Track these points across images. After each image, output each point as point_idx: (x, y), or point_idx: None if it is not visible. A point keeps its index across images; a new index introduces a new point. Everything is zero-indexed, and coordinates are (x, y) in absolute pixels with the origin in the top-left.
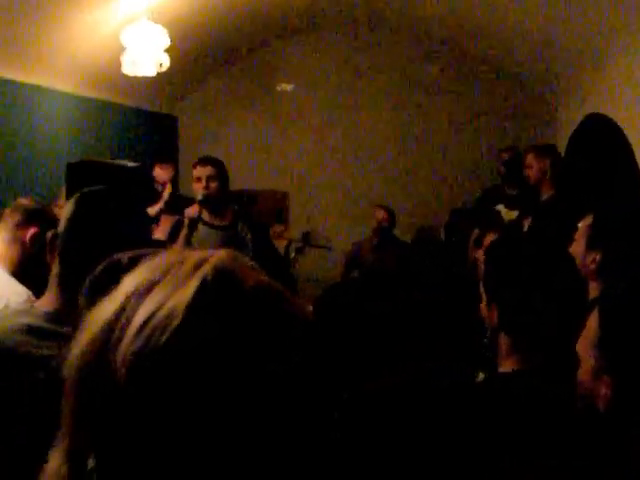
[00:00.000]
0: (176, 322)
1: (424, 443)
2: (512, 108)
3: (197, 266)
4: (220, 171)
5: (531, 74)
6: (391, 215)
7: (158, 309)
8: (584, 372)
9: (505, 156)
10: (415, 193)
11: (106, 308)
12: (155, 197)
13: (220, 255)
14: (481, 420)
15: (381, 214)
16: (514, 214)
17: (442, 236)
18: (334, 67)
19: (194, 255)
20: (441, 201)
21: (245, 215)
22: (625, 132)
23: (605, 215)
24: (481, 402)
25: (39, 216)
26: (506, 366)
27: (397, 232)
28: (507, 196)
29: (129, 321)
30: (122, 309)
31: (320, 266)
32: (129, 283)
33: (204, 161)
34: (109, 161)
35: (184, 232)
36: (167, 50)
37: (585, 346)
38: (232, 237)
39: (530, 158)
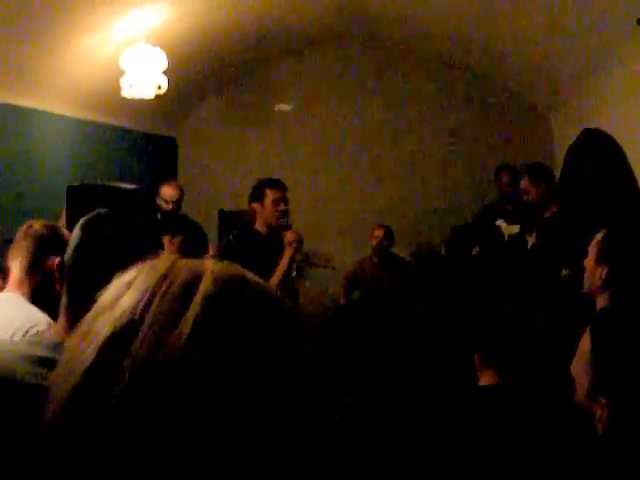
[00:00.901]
0: (183, 340)
1: (424, 448)
2: (509, 123)
3: (195, 280)
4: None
5: (527, 89)
6: (390, 234)
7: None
8: (579, 393)
9: (505, 179)
10: (414, 211)
11: (98, 318)
12: (157, 219)
13: (218, 266)
14: (480, 425)
15: (380, 233)
16: (515, 229)
17: (443, 253)
18: (331, 86)
19: (185, 270)
20: (440, 218)
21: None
22: (622, 146)
23: (616, 230)
24: (480, 407)
25: (60, 243)
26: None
27: (397, 250)
28: (507, 211)
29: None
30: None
31: (321, 286)
32: (111, 293)
33: (283, 184)
34: (109, 184)
35: (289, 255)
36: (165, 72)
37: (579, 367)
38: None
39: (526, 184)
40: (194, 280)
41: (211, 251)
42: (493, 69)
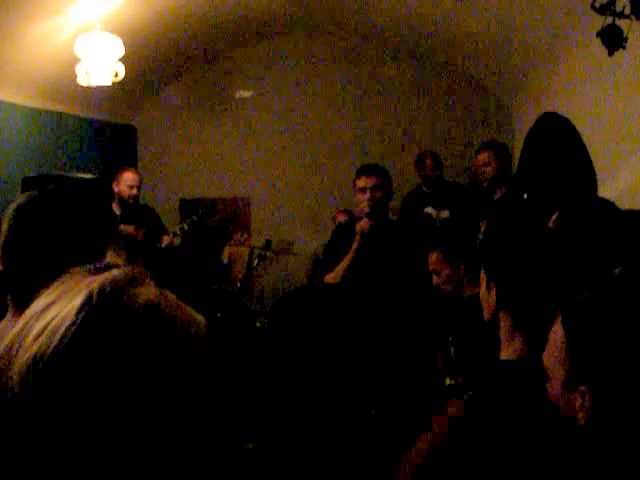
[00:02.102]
0: (60, 333)
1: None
2: (468, 108)
3: (89, 284)
4: (385, 180)
5: (485, 74)
6: (352, 219)
7: (48, 324)
8: (554, 385)
9: (430, 163)
10: None
11: (12, 330)
12: (111, 208)
13: (114, 273)
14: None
15: (343, 217)
16: (445, 213)
17: None
18: (292, 73)
19: (94, 275)
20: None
21: (200, 225)
22: (578, 129)
23: (569, 211)
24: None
25: None
26: (509, 348)
27: None
28: (430, 196)
29: (25, 338)
30: (22, 329)
31: (283, 272)
32: (34, 305)
33: (369, 171)
34: (66, 174)
35: (355, 246)
36: (122, 60)
37: (552, 358)
38: None
39: (486, 157)
40: (92, 282)
41: (166, 240)
42: (454, 56)
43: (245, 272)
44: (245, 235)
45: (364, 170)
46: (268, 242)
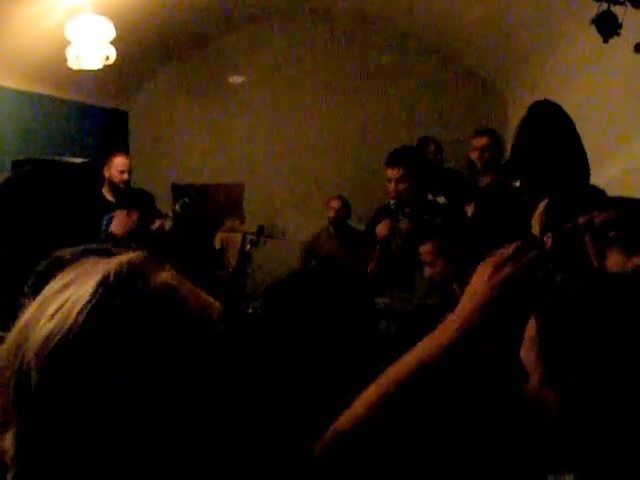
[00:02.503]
0: (75, 312)
1: None
2: (463, 97)
3: (106, 265)
4: (411, 171)
5: (481, 63)
6: (346, 205)
7: (63, 304)
8: (533, 380)
9: (432, 148)
10: (370, 183)
11: (28, 311)
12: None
13: (130, 256)
14: None
15: (337, 204)
16: (441, 199)
17: None
18: (285, 58)
19: (112, 257)
20: None
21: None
22: (572, 117)
23: (558, 199)
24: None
25: None
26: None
27: (353, 223)
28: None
29: (41, 317)
30: (38, 309)
31: (276, 258)
32: (49, 287)
33: (393, 161)
34: (56, 158)
35: (376, 254)
36: (113, 43)
37: (529, 354)
38: None
39: (487, 141)
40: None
41: (158, 223)
42: (446, 44)
43: (237, 258)
44: (238, 221)
45: (389, 160)
46: (261, 228)
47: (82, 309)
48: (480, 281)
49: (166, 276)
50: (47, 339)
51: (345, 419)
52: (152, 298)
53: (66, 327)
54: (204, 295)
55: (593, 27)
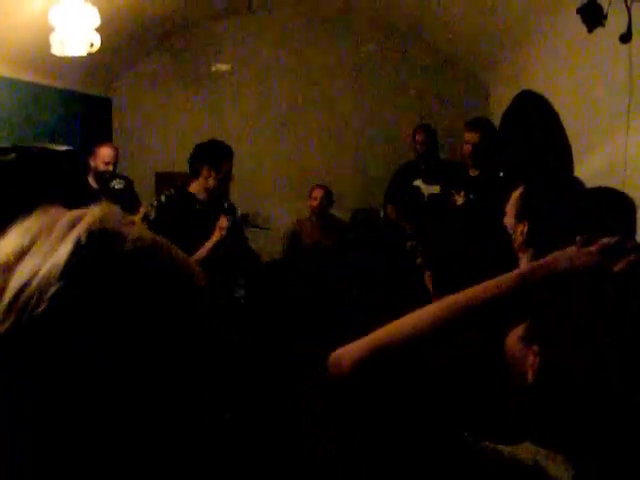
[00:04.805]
0: (52, 290)
1: None
2: (446, 87)
3: (69, 227)
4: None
5: (464, 53)
6: (328, 194)
7: (31, 279)
8: (512, 339)
9: (419, 137)
10: (354, 173)
11: None
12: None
13: (94, 213)
14: None
15: (319, 193)
16: (435, 188)
17: (381, 215)
18: (270, 47)
19: (66, 216)
20: (379, 181)
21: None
22: (555, 107)
23: (533, 187)
24: None
25: None
26: None
27: (336, 213)
28: (423, 171)
29: (3, 290)
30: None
31: (259, 247)
32: (5, 243)
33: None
34: (40, 145)
35: (215, 240)
36: (98, 30)
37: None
38: None
39: (479, 136)
40: (72, 224)
41: (141, 212)
42: (430, 34)
43: None
44: None
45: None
46: (244, 217)
47: (59, 276)
48: (570, 250)
49: (141, 232)
50: (21, 318)
51: (388, 336)
52: (132, 259)
53: (42, 305)
54: (183, 253)
55: (577, 18)
